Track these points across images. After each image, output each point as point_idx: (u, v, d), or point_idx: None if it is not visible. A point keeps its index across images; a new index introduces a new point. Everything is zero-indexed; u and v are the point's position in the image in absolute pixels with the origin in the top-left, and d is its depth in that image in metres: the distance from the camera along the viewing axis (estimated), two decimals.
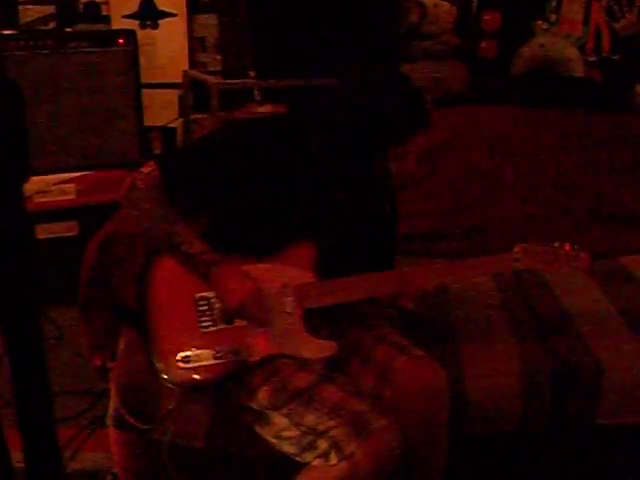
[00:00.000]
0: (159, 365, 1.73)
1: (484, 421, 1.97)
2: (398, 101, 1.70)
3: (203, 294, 1.77)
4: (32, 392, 0.98)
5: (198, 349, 1.73)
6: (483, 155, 3.03)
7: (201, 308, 1.77)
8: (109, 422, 1.97)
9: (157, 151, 4.21)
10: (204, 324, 1.76)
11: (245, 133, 1.83)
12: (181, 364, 1.72)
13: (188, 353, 1.73)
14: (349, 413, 1.61)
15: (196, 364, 1.72)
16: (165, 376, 1.73)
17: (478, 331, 2.14)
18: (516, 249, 1.85)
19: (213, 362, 1.73)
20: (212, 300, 1.77)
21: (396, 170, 1.79)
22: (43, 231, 3.27)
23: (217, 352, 1.73)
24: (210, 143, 1.86)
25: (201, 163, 1.79)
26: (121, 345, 2.05)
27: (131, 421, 1.89)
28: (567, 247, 1.85)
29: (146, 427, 1.88)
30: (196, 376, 1.72)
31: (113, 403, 1.94)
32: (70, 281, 2.30)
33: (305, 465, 1.65)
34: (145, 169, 1.79)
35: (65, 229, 3.36)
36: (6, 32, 3.48)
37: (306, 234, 1.80)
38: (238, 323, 1.76)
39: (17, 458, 1.20)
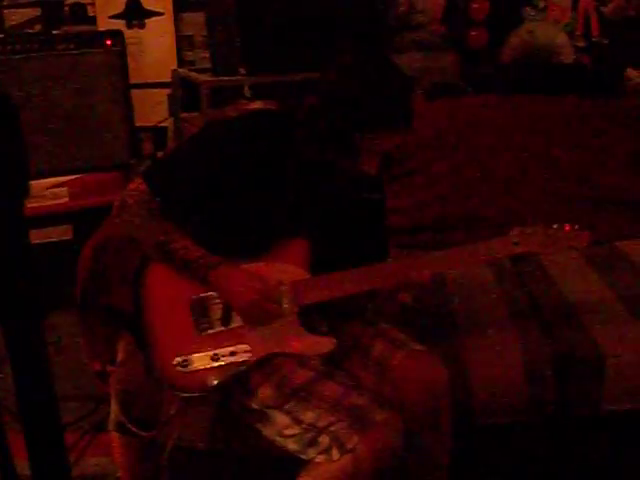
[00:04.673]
0: (157, 370, 1.72)
1: (488, 412, 1.97)
2: (370, 85, 1.64)
3: (199, 296, 1.75)
4: (36, 397, 0.97)
5: (196, 352, 1.72)
6: (479, 145, 3.01)
7: (197, 311, 1.76)
8: (111, 427, 1.96)
9: (148, 152, 4.20)
10: (201, 327, 1.75)
11: (228, 133, 1.79)
12: (179, 368, 1.71)
13: (186, 357, 1.72)
14: (349, 408, 1.61)
15: (194, 368, 1.71)
16: (164, 381, 1.72)
17: (479, 322, 2.13)
18: (514, 232, 1.81)
19: (212, 365, 1.72)
20: (208, 302, 1.75)
21: (356, 167, 1.70)
22: (37, 236, 3.25)
23: (215, 355, 1.72)
24: (193, 147, 1.82)
25: (186, 168, 1.76)
26: (120, 351, 2.03)
27: (133, 429, 1.88)
28: (567, 227, 1.81)
29: (147, 434, 1.87)
30: (195, 380, 1.71)
31: (114, 408, 1.94)
32: (67, 285, 2.29)
33: (308, 462, 1.64)
34: (132, 185, 1.77)
35: (59, 233, 3.35)
36: None
37: (298, 230, 1.78)
38: (235, 325, 1.75)
39: (22, 466, 1.19)
